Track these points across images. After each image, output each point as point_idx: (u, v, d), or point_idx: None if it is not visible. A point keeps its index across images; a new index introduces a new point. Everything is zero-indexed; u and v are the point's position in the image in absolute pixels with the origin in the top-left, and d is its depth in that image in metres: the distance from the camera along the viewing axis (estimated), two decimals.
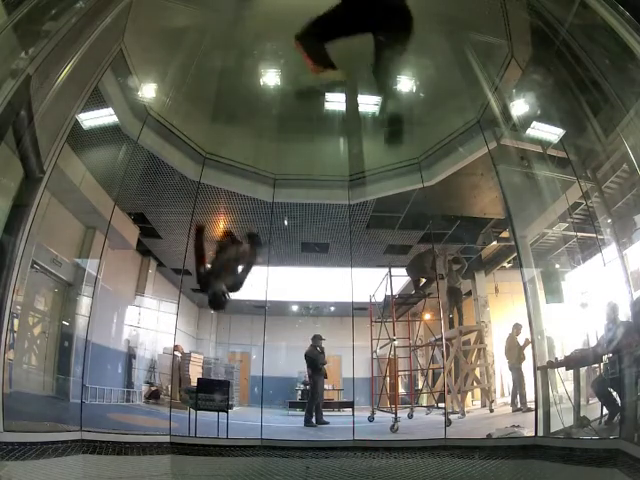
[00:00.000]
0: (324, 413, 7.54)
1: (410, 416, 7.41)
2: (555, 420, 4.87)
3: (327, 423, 7.21)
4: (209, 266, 4.80)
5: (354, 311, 7.68)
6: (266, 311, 7.92)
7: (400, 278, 8.70)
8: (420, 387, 9.40)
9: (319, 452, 4.97)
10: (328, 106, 6.95)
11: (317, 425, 7.10)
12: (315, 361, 7.52)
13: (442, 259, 8.34)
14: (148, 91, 6.17)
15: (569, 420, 4.76)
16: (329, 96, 6.80)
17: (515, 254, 6.87)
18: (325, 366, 7.65)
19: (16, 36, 3.34)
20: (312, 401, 7.38)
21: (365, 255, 9.21)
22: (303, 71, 5.88)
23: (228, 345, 11.11)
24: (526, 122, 5.71)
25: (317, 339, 7.62)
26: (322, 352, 7.63)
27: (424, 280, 8.44)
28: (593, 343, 5.08)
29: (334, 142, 7.38)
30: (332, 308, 10.78)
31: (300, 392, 9.98)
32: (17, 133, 3.69)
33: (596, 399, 4.69)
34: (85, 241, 6.76)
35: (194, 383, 6.99)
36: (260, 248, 5.00)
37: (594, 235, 5.33)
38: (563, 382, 5.18)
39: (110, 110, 5.83)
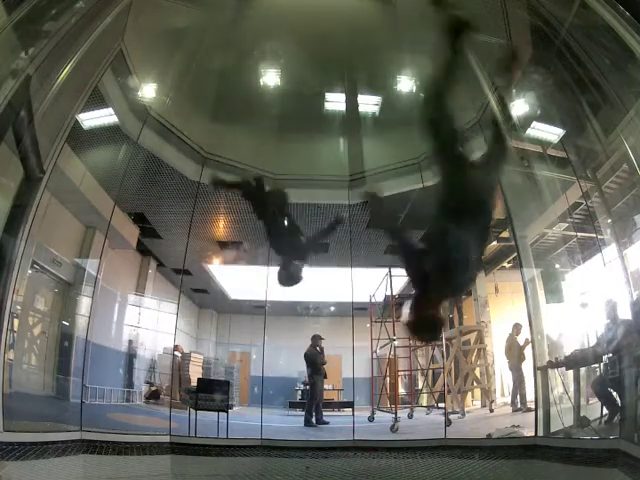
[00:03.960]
0: (324, 413, 7.54)
1: (410, 416, 7.41)
2: (555, 420, 4.87)
3: (327, 423, 7.20)
4: None
5: (354, 311, 7.67)
6: (266, 311, 7.92)
7: (400, 278, 8.69)
8: (420, 387, 9.40)
9: (319, 452, 4.97)
10: (328, 106, 6.95)
11: (317, 425, 7.10)
12: (314, 361, 7.51)
13: None
14: (148, 91, 6.16)
15: (569, 420, 4.76)
16: (329, 96, 6.80)
17: (515, 254, 6.86)
18: (324, 366, 7.65)
19: (16, 36, 3.34)
20: (312, 401, 7.37)
21: (365, 255, 9.20)
22: (303, 71, 5.90)
23: (228, 345, 11.11)
24: (526, 122, 5.70)
25: (316, 339, 7.62)
26: (322, 352, 7.63)
27: None
28: (593, 343, 5.08)
29: (334, 142, 7.38)
30: (332, 308, 10.78)
31: (300, 392, 9.99)
32: (17, 133, 3.69)
33: (596, 399, 4.69)
34: (85, 241, 6.76)
35: (194, 383, 6.99)
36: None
37: (594, 235, 5.33)
38: (563, 382, 5.18)
39: (110, 110, 5.82)
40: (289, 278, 4.57)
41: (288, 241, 4.56)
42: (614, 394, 4.34)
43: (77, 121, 5.19)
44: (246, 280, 9.29)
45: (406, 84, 6.38)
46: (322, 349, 7.63)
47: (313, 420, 7.17)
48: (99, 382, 6.86)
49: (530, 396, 6.35)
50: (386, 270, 8.43)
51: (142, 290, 8.71)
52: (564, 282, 6.44)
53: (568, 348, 5.61)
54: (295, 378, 10.18)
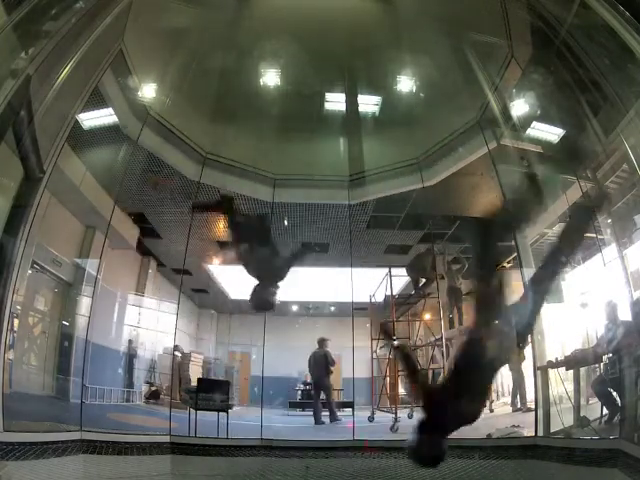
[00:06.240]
0: (323, 413, 7.60)
1: (410, 416, 7.39)
2: (555, 420, 4.87)
3: (323, 423, 7.27)
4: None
5: (354, 311, 7.67)
6: None
7: (400, 278, 8.69)
8: None
9: (319, 452, 4.96)
10: (328, 106, 6.95)
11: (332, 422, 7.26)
12: (330, 363, 7.65)
13: (442, 259, 8.33)
14: (148, 91, 6.16)
15: (569, 420, 4.75)
16: (329, 96, 6.80)
17: (515, 254, 6.86)
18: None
19: (16, 36, 3.34)
20: (329, 398, 7.60)
21: (365, 255, 9.20)
22: (303, 71, 5.90)
23: (228, 345, 11.11)
24: (526, 122, 5.71)
25: (325, 342, 7.73)
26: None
27: (424, 280, 8.44)
28: (593, 343, 5.08)
29: (334, 142, 7.38)
30: (332, 308, 10.79)
31: (300, 392, 10.00)
32: (17, 133, 3.69)
33: (596, 399, 4.69)
34: (85, 241, 6.75)
35: (194, 383, 6.99)
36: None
37: (594, 235, 5.33)
38: (563, 382, 5.18)
39: (110, 110, 5.82)
40: (264, 303, 4.33)
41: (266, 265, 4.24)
42: (614, 394, 4.33)
43: (77, 121, 5.18)
44: (246, 280, 9.28)
45: (406, 84, 6.38)
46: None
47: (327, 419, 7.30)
48: (99, 382, 6.86)
49: (530, 396, 6.34)
50: (386, 270, 8.43)
51: (142, 290, 8.71)
52: (564, 282, 6.44)
53: (568, 348, 5.61)
54: (295, 378, 10.19)
